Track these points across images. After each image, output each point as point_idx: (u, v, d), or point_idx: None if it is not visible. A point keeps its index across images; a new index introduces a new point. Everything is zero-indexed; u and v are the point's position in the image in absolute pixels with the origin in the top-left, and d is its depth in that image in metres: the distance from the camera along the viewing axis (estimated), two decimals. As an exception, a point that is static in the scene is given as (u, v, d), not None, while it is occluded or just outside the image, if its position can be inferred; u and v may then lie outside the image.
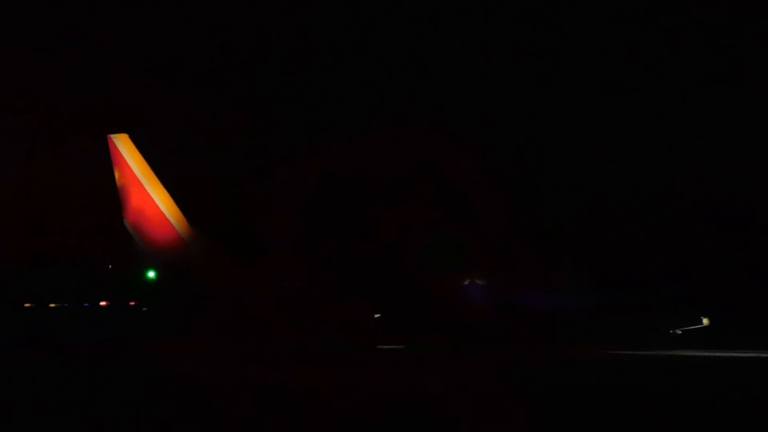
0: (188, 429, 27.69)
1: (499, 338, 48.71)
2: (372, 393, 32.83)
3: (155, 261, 58.15)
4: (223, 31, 67.88)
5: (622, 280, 51.01)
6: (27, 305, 56.47)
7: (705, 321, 48.76)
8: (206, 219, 58.63)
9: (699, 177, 55.34)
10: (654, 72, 60.96)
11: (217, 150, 63.22)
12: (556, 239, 53.38)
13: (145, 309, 56.42)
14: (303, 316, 50.59)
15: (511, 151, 58.70)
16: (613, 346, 46.91)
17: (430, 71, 64.24)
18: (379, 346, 50.32)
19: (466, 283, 52.99)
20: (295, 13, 66.90)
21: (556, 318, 49.32)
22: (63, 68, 66.67)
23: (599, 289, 50.30)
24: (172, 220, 58.46)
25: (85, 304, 56.60)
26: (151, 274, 57.79)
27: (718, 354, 44.49)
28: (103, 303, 56.84)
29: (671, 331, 48.92)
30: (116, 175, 59.58)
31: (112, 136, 59.53)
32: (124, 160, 59.23)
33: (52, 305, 56.51)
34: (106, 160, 59.78)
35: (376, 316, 52.38)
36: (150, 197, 58.74)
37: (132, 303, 56.69)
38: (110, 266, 59.43)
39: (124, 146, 59.28)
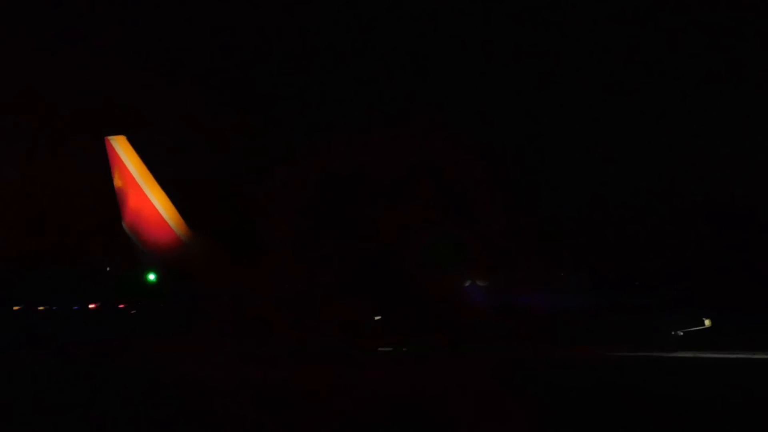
0: (188, 429, 27.69)
1: (499, 338, 48.66)
2: (372, 393, 32.82)
3: (154, 262, 58.12)
4: (223, 31, 67.90)
5: (622, 280, 51.01)
6: (15, 308, 56.17)
7: (707, 322, 48.67)
8: (206, 219, 58.60)
9: (699, 177, 55.37)
10: (654, 72, 61.00)
11: (217, 150, 63.21)
12: (556, 239, 53.37)
13: (133, 312, 56.26)
14: (303, 316, 50.56)
15: (511, 151, 58.71)
16: (613, 346, 46.88)
17: (430, 71, 64.27)
18: (379, 348, 50.30)
19: (466, 283, 52.97)
20: (295, 13, 66.92)
21: (556, 318, 49.28)
22: (63, 68, 66.66)
23: (599, 289, 50.28)
24: (169, 221, 58.39)
25: (75, 308, 56.28)
26: (151, 276, 57.73)
27: (719, 355, 44.45)
28: (92, 305, 56.64)
29: (673, 333, 48.87)
30: (114, 177, 59.53)
31: (109, 137, 59.45)
32: (122, 162, 59.15)
33: (40, 308, 56.21)
34: (105, 161, 59.74)
35: (377, 318, 52.35)
36: (147, 199, 58.66)
37: (121, 306, 56.48)
38: (108, 268, 59.36)
39: (121, 148, 59.20)
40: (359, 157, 55.40)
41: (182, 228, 58.46)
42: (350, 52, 65.93)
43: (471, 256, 52.97)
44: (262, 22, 67.55)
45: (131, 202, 59.23)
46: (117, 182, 59.52)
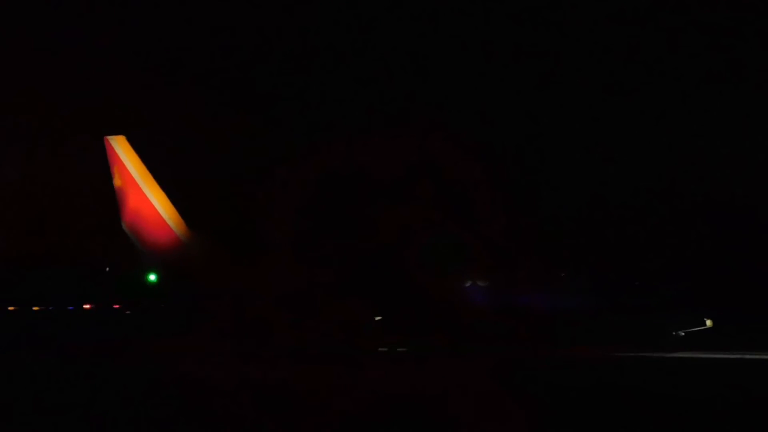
0: (188, 429, 27.66)
1: (499, 338, 48.67)
2: (372, 393, 32.80)
3: (153, 262, 58.09)
4: (223, 31, 67.86)
5: (622, 280, 51.02)
6: (10, 308, 56.06)
7: (708, 322, 48.66)
8: (206, 219, 58.58)
9: (699, 177, 55.37)
10: (654, 72, 61.01)
11: (217, 150, 63.19)
12: (556, 239, 53.36)
13: (128, 312, 56.21)
14: (303, 317, 50.55)
15: (511, 151, 58.72)
16: (613, 346, 46.87)
17: (430, 71, 64.27)
18: (379, 348, 50.28)
19: (467, 283, 52.96)
20: (295, 13, 66.90)
21: (556, 318, 49.29)
22: (63, 68, 66.63)
23: (599, 289, 50.29)
24: (169, 221, 58.37)
25: (69, 308, 56.19)
26: (152, 276, 57.70)
27: (719, 355, 44.44)
28: (86, 306, 56.55)
29: (674, 333, 48.87)
30: (113, 176, 59.52)
31: (108, 137, 59.44)
32: (121, 162, 59.14)
33: (35, 308, 56.12)
34: (105, 161, 59.73)
35: (377, 318, 52.34)
36: (147, 199, 58.64)
37: (116, 306, 56.42)
38: (108, 268, 59.30)
39: (121, 148, 59.19)
40: (359, 157, 55.40)
41: (182, 228, 58.45)
42: (350, 52, 65.98)
43: (471, 256, 52.97)
44: (262, 22, 67.57)
45: (131, 202, 59.20)
46: (117, 182, 59.50)
